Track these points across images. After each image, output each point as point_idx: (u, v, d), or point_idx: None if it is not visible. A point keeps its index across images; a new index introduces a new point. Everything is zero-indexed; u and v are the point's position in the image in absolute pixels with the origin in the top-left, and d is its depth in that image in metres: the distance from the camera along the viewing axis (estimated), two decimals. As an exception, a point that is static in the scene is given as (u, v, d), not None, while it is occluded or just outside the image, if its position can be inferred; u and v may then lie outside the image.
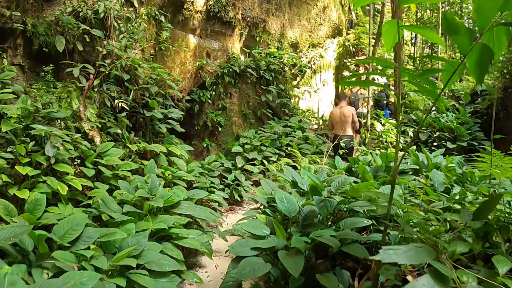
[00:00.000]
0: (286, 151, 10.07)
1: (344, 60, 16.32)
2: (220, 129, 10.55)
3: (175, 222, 4.82)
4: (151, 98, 7.70)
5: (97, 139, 6.40)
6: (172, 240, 4.56)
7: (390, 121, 10.89)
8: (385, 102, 13.32)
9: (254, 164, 9.20)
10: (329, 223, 4.40)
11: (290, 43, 15.29)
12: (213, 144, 10.50)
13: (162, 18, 9.30)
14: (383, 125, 10.72)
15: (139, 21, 8.21)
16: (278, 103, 12.34)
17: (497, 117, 11.42)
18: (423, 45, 26.57)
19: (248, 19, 12.80)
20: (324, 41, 16.49)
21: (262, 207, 5.50)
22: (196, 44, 11.11)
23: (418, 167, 7.36)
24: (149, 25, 9.36)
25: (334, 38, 16.78)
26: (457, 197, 4.57)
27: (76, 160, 5.59)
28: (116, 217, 4.28)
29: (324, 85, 16.02)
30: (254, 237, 3.91)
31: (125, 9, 7.78)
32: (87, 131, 6.33)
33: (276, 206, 4.59)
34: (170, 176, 6.69)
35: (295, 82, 15.40)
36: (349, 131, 9.47)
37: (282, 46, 14.92)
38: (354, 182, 5.45)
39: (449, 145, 10.55)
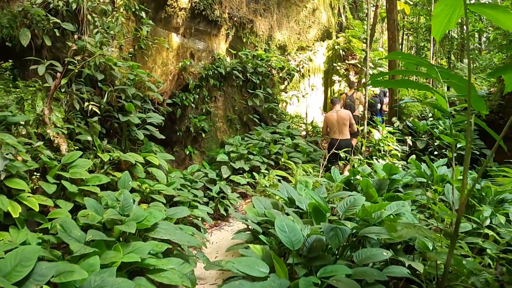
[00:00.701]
0: (276, 160, 9.34)
1: (334, 64, 15.71)
2: (203, 135, 9.77)
3: (151, 250, 4.03)
4: (127, 101, 6.89)
5: (64, 148, 5.57)
6: (147, 274, 3.76)
7: (387, 128, 10.22)
8: (378, 107, 12.69)
9: (241, 173, 8.46)
10: (339, 253, 3.66)
11: (278, 46, 14.58)
12: (196, 152, 9.72)
13: (143, 14, 8.50)
14: (381, 132, 10.06)
15: (117, 15, 7.39)
16: (266, 108, 11.60)
17: (493, 123, 10.93)
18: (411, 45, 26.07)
19: (235, 18, 12.05)
20: (313, 44, 15.83)
21: (253, 228, 4.74)
22: (179, 44, 10.33)
23: (424, 180, 6.74)
24: (128, 21, 8.55)
25: (323, 41, 16.15)
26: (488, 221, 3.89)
27: (36, 173, 4.76)
28: (76, 249, 3.46)
29: (312, 89, 15.35)
30: (249, 277, 3.14)
31: (101, 0, 6.95)
32: (52, 138, 5.50)
33: (274, 233, 3.82)
34: (148, 189, 5.89)
35: (282, 86, 14.69)
36: (348, 135, 9.12)
37: (269, 48, 14.21)
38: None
39: (449, 153, 9.96)
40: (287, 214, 4.49)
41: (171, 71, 9.93)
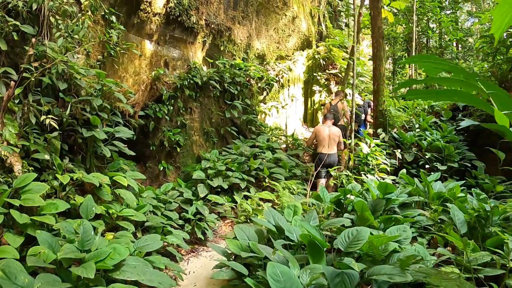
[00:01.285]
0: (257, 176, 8.73)
1: (314, 74, 15.25)
2: (178, 149, 9.09)
3: (116, 296, 3.35)
4: (93, 114, 6.17)
5: (17, 168, 4.83)
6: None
7: (375, 140, 9.71)
8: (363, 118, 12.22)
9: (219, 192, 7.82)
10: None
11: (257, 55, 14.03)
12: (170, 167, 9.02)
13: (113, 18, 7.82)
14: (369, 145, 9.53)
15: (83, 18, 6.68)
16: (244, 120, 11.01)
17: (479, 133, 10.56)
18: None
19: (213, 25, 11.44)
20: (293, 53, 15.37)
21: (232, 259, 4.10)
22: (153, 51, 9.65)
23: (421, 198, 6.25)
24: (96, 25, 7.85)
25: (303, 50, 15.71)
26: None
27: (-21, 200, 4.03)
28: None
29: (292, 100, 14.84)
30: None
31: (64, 0, 6.24)
32: (3, 157, 4.76)
33: (263, 276, 3.19)
34: (115, 215, 5.19)
35: (261, 97, 14.13)
36: (335, 150, 9.21)
37: (248, 57, 13.64)
38: (353, 224, 4.16)
39: (439, 166, 9.53)
40: (276, 250, 3.86)
41: (144, 80, 9.24)
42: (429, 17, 17.84)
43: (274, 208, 5.69)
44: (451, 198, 6.39)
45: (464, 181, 8.42)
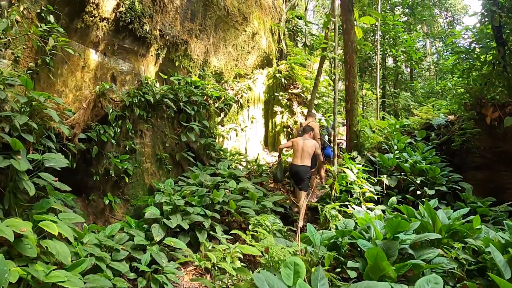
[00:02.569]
0: (221, 210, 7.41)
1: (275, 94, 14.18)
2: (127, 179, 7.62)
3: None
4: (14, 135, 4.68)
5: None
6: None
7: (358, 166, 8.62)
8: (326, 139, 11.16)
9: (178, 233, 6.41)
10: None
11: (214, 72, 12.83)
12: (118, 200, 7.53)
13: (51, 18, 6.39)
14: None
15: (10, 12, 5.22)
16: (202, 144, 9.65)
17: (454, 152, 9.88)
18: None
19: (167, 37, 10.15)
20: (252, 72, 14.28)
21: None
22: (98, 63, 8.26)
23: (438, 236, 5.19)
24: (30, 24, 6.37)
25: (263, 68, 14.68)
26: None
27: None
28: None
29: (252, 122, 13.68)
30: None
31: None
32: None
33: None
34: (41, 280, 3.71)
35: (219, 119, 12.88)
36: (307, 163, 8.82)
37: (205, 75, 12.41)
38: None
39: (427, 190, 8.63)
40: None
41: (87, 96, 7.78)
42: (392, 35, 17.32)
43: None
44: (466, 231, 5.37)
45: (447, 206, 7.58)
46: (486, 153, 9.24)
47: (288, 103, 14.16)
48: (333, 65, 13.67)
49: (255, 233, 5.70)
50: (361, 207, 7.70)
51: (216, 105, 12.34)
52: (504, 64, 9.18)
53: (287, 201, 9.26)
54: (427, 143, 10.38)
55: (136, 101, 7.96)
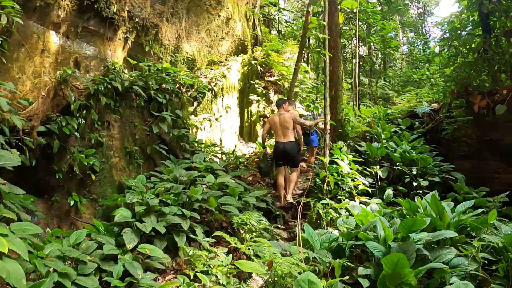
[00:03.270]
0: (200, 209, 6.74)
1: (251, 82, 13.50)
2: (93, 176, 6.86)
3: None
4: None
5: None
6: None
7: (350, 156, 8.06)
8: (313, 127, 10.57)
9: (153, 237, 5.71)
10: None
11: (186, 59, 12.05)
12: (84, 200, 6.77)
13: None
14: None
15: None
16: (175, 136, 8.91)
17: (438, 140, 9.55)
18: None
19: (137, 19, 9.35)
20: (226, 59, 13.54)
21: None
22: (60, 47, 7.47)
23: (454, 234, 4.66)
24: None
25: (237, 55, 13.93)
26: None
27: None
28: None
29: (227, 111, 13.00)
30: None
31: None
32: None
33: None
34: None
35: (192, 108, 12.12)
36: (291, 138, 8.56)
37: (176, 61, 11.64)
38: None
39: (421, 182, 8.22)
40: None
41: (46, 84, 6.96)
42: (370, 22, 16.86)
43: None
44: (478, 226, 4.89)
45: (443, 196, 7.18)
46: (473, 142, 8.92)
47: (264, 92, 13.53)
48: (319, 47, 12.97)
49: (248, 241, 5.08)
50: (355, 201, 7.14)
51: (189, 93, 11.57)
52: (489, 51, 8.87)
53: (268, 195, 8.66)
54: (412, 132, 9.98)
55: (102, 89, 7.16)
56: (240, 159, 10.28)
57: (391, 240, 4.54)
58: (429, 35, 29.28)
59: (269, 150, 9.66)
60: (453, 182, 8.31)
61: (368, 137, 9.72)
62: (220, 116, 12.61)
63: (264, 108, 13.22)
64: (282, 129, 8.54)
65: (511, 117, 8.22)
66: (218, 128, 12.51)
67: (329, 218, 6.41)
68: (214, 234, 5.71)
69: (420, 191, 7.93)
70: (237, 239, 6.01)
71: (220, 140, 12.31)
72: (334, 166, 7.74)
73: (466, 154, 9.01)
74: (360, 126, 9.34)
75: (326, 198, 7.01)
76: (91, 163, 6.75)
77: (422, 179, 8.21)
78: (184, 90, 10.97)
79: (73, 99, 6.69)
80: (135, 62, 8.75)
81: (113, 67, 7.90)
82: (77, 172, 6.63)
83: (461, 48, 9.94)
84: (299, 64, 10.25)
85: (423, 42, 27.00)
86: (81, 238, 5.06)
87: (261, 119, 13.25)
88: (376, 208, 6.41)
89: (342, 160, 7.74)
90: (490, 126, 8.69)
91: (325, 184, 7.03)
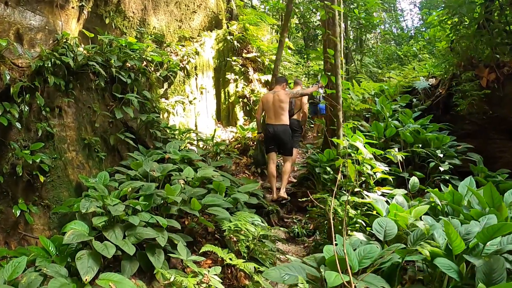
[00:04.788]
0: (180, 214, 5.43)
1: (228, 59, 12.14)
2: (42, 178, 5.45)
3: None
4: None
5: None
6: None
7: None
8: (322, 95, 9.33)
9: (119, 261, 4.37)
10: None
11: (154, 34, 10.60)
12: (34, 208, 5.36)
13: None
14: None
15: None
16: (143, 122, 7.54)
17: (438, 118, 8.66)
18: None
19: (93, -16, 7.84)
20: (199, 35, 12.12)
21: None
22: (-5, 16, 5.95)
23: None
24: None
25: (211, 31, 12.52)
26: None
27: None
28: None
29: (202, 93, 11.64)
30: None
31: None
32: None
33: None
34: None
35: (162, 90, 10.71)
36: (285, 120, 7.61)
37: (142, 37, 10.18)
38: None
39: (442, 166, 7.15)
40: None
41: (-23, 62, 5.49)
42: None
43: None
44: None
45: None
46: (477, 119, 8.01)
47: (242, 70, 12.18)
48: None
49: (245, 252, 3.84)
50: (376, 192, 5.86)
51: (159, 73, 10.18)
52: (488, 21, 7.92)
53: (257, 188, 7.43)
54: (413, 110, 8.96)
55: (50, 66, 5.71)
56: (221, 146, 8.96)
57: (460, 251, 3.32)
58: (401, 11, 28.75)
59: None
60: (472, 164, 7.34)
61: (366, 116, 8.62)
62: (194, 98, 11.25)
63: (243, 88, 11.90)
64: (275, 109, 7.55)
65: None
66: (193, 111, 11.15)
67: (356, 220, 5.17)
68: (202, 250, 4.42)
69: (439, 177, 6.86)
70: (231, 250, 4.80)
71: (195, 125, 10.97)
72: (349, 150, 6.38)
73: (469, 133, 8.17)
74: (359, 104, 8.14)
75: (346, 193, 5.60)
76: (39, 160, 5.34)
77: (442, 162, 7.17)
78: (152, 69, 9.59)
79: (8, 78, 5.22)
80: (92, 35, 7.26)
81: (65, 40, 6.44)
82: (22, 173, 5.22)
83: (464, 17, 8.85)
84: (284, 34, 8.97)
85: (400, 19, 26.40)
86: (20, 270, 3.69)
87: (240, 100, 11.94)
88: (403, 202, 5.21)
89: (356, 142, 6.37)
90: (497, 101, 7.79)
91: (340, 174, 5.70)
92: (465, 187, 5.27)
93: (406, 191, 5.93)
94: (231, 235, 5.08)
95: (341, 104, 6.55)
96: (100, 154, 6.47)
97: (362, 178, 6.24)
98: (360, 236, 4.45)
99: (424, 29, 21.96)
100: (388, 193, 5.87)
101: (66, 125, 6.08)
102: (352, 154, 6.23)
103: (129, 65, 7.52)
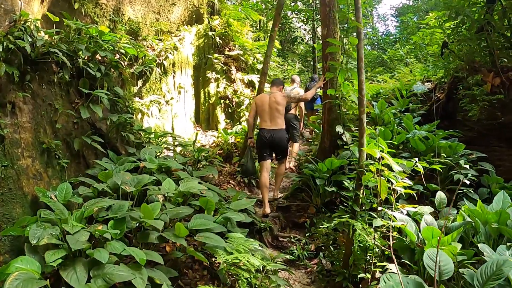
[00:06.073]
0: (160, 242, 4.39)
1: (208, 56, 11.16)
2: (-13, 191, 4.34)
3: None
4: None
5: None
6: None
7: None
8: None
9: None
10: None
11: (129, 26, 9.53)
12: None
13: None
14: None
15: None
16: (114, 124, 6.46)
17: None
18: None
19: (60, -39, 6.73)
20: (178, 29, 11.09)
21: None
22: None
23: None
24: None
25: (191, 25, 11.51)
26: None
27: None
28: None
29: (180, 92, 10.61)
30: None
31: None
32: None
33: None
34: None
35: (135, 88, 9.61)
36: (282, 124, 7.15)
37: (116, 28, 9.11)
38: None
39: (459, 177, 6.36)
40: None
41: None
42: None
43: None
44: None
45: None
46: (476, 125, 7.52)
47: (224, 68, 11.22)
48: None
49: None
50: (400, 211, 4.87)
51: (133, 68, 9.10)
52: (489, 23, 7.42)
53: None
54: (412, 115, 8.37)
55: (2, 51, 4.60)
56: (203, 153, 7.94)
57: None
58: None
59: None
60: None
61: (367, 120, 7.90)
62: (172, 98, 10.23)
63: (225, 88, 10.94)
64: (271, 112, 7.06)
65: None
66: (169, 113, 10.13)
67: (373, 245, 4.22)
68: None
69: (461, 190, 6.12)
70: (225, 285, 3.80)
71: (172, 128, 9.97)
72: (372, 162, 5.34)
73: (469, 140, 7.61)
74: (352, 106, 7.37)
75: (378, 218, 4.57)
76: (-18, 169, 4.22)
77: (453, 173, 6.46)
78: (126, 63, 8.51)
79: None
80: (57, 19, 6.12)
81: (23, 22, 5.30)
82: (-42, 185, 4.09)
83: (465, 19, 8.30)
84: (275, 29, 8.12)
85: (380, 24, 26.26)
86: None
87: (222, 101, 10.97)
88: (432, 222, 4.34)
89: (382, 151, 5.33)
90: (501, 107, 7.29)
91: (362, 190, 4.63)
92: (500, 202, 4.52)
93: (432, 208, 5.07)
94: (228, 269, 4.07)
95: (364, 105, 5.50)
96: (61, 161, 5.35)
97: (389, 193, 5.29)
98: (393, 267, 3.56)
99: (404, 35, 21.76)
100: (414, 212, 4.96)
101: (21, 126, 4.94)
102: (370, 165, 5.23)
103: (100, 57, 6.49)
